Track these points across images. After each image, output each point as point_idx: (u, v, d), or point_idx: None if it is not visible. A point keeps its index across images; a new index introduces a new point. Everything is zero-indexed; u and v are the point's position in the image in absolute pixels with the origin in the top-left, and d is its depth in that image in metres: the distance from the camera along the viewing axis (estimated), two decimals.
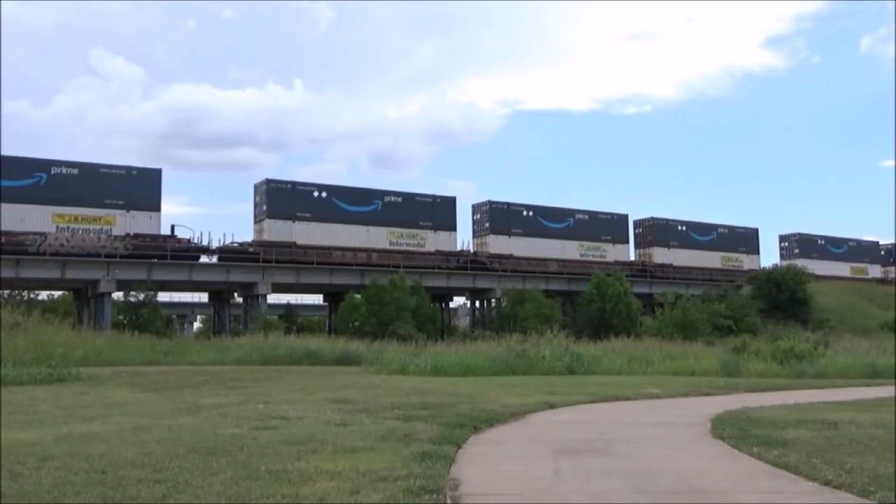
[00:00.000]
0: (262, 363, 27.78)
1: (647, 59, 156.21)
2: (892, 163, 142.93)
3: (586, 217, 59.29)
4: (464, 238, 54.77)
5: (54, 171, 41.48)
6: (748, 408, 12.33)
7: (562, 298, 53.38)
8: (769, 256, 70.35)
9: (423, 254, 50.93)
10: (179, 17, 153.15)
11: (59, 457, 6.94)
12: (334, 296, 50.71)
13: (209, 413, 10.85)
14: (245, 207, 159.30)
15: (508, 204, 56.07)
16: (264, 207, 47.02)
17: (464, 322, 65.95)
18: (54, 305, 50.23)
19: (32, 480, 5.92)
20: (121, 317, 41.98)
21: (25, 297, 50.09)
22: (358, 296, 44.91)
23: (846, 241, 77.52)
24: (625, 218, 62.04)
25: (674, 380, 20.35)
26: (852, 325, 49.15)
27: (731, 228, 68.23)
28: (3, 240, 38.90)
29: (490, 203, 55.31)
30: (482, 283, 53.28)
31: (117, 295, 43.50)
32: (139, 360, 26.98)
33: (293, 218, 47.08)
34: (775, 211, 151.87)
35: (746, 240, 68.67)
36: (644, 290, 57.02)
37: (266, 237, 46.54)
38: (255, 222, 48.01)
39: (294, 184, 48.61)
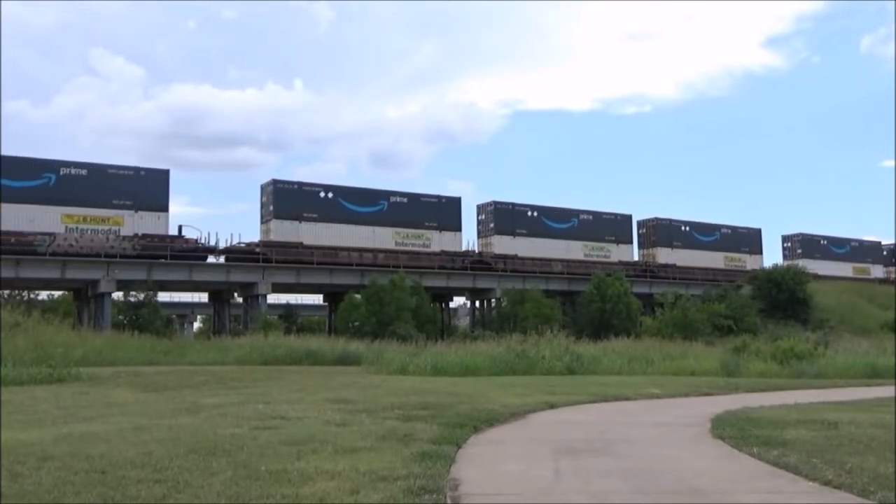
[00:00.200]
0: (262, 363, 27.78)
1: (647, 59, 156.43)
2: (892, 163, 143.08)
3: (590, 217, 59.34)
4: (468, 238, 55.03)
5: (63, 171, 41.71)
6: (748, 408, 12.33)
7: (562, 298, 53.40)
8: (772, 257, 70.30)
9: (429, 254, 51.02)
10: (179, 17, 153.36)
11: (59, 457, 6.94)
12: (334, 296, 50.73)
13: (209, 413, 10.85)
14: (244, 207, 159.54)
15: (513, 204, 56.10)
16: (271, 208, 47.10)
17: (464, 322, 65.95)
18: (54, 305, 50.23)
19: (32, 480, 5.92)
20: (121, 317, 41.99)
21: (25, 298, 50.11)
22: (358, 296, 44.94)
23: (848, 241, 77.51)
24: (628, 218, 62.02)
25: (674, 380, 20.35)
26: (852, 325, 49.15)
27: (735, 229, 68.23)
28: (12, 240, 39.13)
29: (495, 203, 55.37)
30: (482, 283, 53.30)
31: (117, 295, 43.53)
32: (139, 360, 26.97)
33: (300, 218, 47.18)
34: (775, 211, 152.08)
35: (749, 240, 68.67)
36: (644, 290, 57.03)
37: (273, 237, 46.66)
38: (262, 223, 48.09)
39: (301, 184, 48.70)
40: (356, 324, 42.70)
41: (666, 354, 27.05)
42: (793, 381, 20.73)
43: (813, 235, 74.33)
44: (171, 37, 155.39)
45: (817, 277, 59.85)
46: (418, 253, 50.66)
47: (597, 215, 59.84)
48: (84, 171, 42.31)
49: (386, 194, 51.50)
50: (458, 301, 65.94)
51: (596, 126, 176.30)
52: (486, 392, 14.72)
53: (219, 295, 50.63)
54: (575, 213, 58.79)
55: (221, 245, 46.56)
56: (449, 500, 5.53)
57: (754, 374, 22.88)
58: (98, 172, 42.80)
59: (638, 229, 62.98)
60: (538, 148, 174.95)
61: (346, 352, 29.99)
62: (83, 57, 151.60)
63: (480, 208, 56.11)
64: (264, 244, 46.63)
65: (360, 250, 48.60)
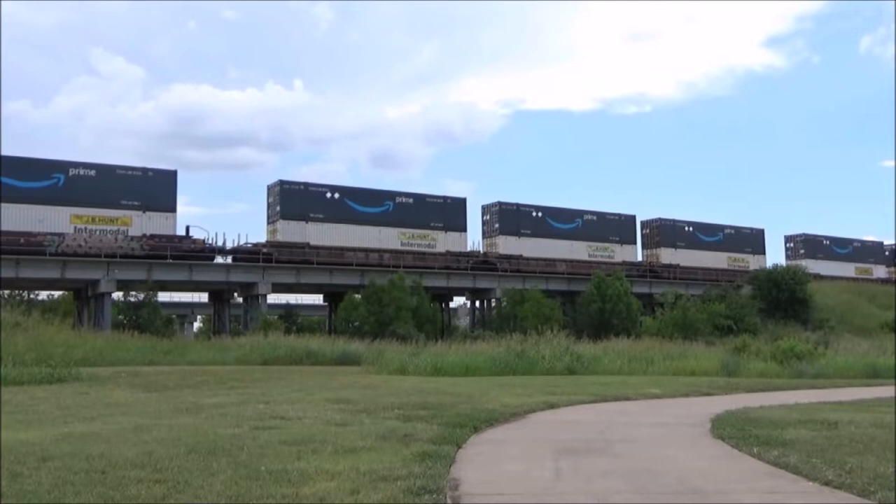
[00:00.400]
0: (262, 363, 27.80)
1: (648, 58, 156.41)
2: (892, 163, 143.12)
3: (594, 218, 59.34)
4: (473, 239, 55.09)
5: (72, 172, 41.86)
6: (748, 408, 12.33)
7: (562, 298, 53.40)
8: (774, 257, 70.25)
9: (434, 255, 51.12)
10: (179, 17, 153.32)
11: (59, 457, 6.94)
12: (334, 296, 50.76)
13: (209, 413, 10.86)
14: (244, 207, 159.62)
15: (518, 205, 56.13)
16: (277, 208, 47.17)
17: (464, 322, 65.92)
18: (54, 305, 50.24)
19: (32, 480, 5.92)
20: (121, 317, 41.97)
21: (25, 298, 50.13)
22: (357, 296, 44.95)
23: (851, 241, 77.49)
24: (632, 219, 62.00)
25: (674, 380, 20.34)
26: (852, 325, 49.16)
27: (738, 229, 68.15)
28: (21, 240, 39.30)
29: (500, 204, 55.41)
30: (482, 283, 53.32)
31: (117, 295, 43.55)
32: (139, 360, 27.00)
33: (306, 219, 47.27)
34: (775, 211, 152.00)
35: (753, 240, 68.62)
36: (644, 290, 57.02)
37: (280, 238, 46.77)
38: (269, 223, 48.17)
39: (307, 185, 48.78)
40: (356, 324, 42.71)
41: (666, 354, 27.02)
42: (793, 381, 20.71)
43: (816, 236, 74.30)
44: (171, 37, 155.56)
45: (817, 277, 59.84)
46: (424, 253, 50.79)
47: (601, 216, 59.84)
48: (93, 172, 42.49)
49: (391, 195, 51.59)
50: (458, 301, 66.04)
51: (597, 126, 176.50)
52: (486, 392, 14.72)
53: (219, 295, 50.65)
54: (579, 214, 58.82)
55: (228, 245, 46.70)
56: (449, 500, 5.52)
57: (754, 374, 22.87)
58: (106, 173, 42.99)
59: (641, 230, 63.00)
60: (539, 148, 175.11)
61: (346, 352, 29.99)
62: (83, 57, 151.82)
63: (485, 209, 56.17)
64: (271, 245, 46.78)
65: (367, 251, 48.73)
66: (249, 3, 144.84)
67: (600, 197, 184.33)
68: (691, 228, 64.29)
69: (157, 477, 6.05)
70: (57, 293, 54.29)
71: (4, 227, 38.89)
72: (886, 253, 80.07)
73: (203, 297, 62.03)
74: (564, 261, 56.26)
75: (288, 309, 59.90)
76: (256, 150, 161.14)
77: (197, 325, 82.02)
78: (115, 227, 42.38)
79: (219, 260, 46.46)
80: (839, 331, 43.26)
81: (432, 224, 51.64)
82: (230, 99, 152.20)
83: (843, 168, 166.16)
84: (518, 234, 55.00)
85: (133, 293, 42.09)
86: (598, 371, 23.35)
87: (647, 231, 63.02)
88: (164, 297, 52.88)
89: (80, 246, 41.11)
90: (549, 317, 43.11)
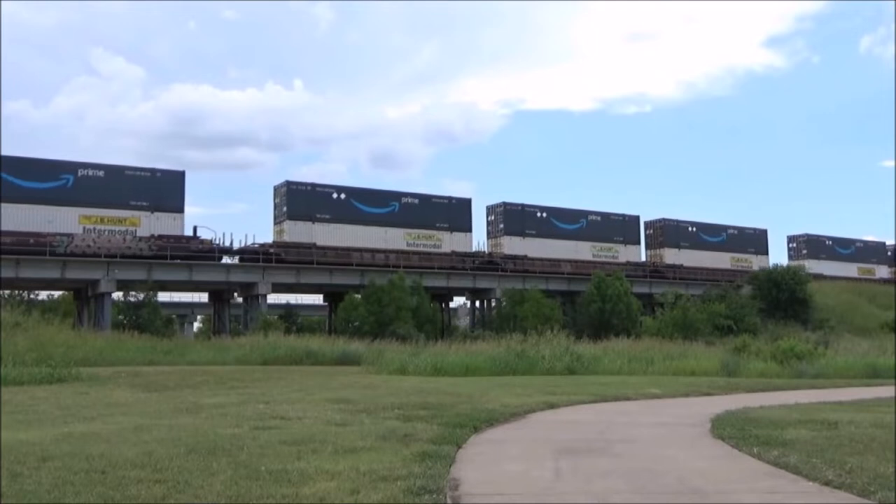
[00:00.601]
0: (262, 363, 27.80)
1: (648, 58, 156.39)
2: (892, 163, 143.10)
3: (598, 218, 59.41)
4: (478, 239, 55.19)
5: (81, 173, 42.06)
6: (748, 408, 12.33)
7: (562, 298, 53.40)
8: (777, 258, 70.26)
9: (440, 255, 51.20)
10: (179, 17, 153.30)
11: (59, 457, 6.95)
12: (334, 296, 50.79)
13: (209, 413, 10.86)
14: (244, 207, 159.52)
15: (523, 205, 56.22)
16: (284, 209, 47.28)
17: (464, 322, 65.92)
18: (54, 305, 50.25)
19: (32, 480, 5.92)
20: (121, 317, 41.98)
21: (25, 298, 50.13)
22: (357, 296, 44.97)
23: (854, 241, 77.48)
24: (636, 219, 62.08)
25: (674, 380, 20.34)
26: (852, 325, 49.16)
27: (741, 229, 68.15)
28: (31, 240, 39.49)
29: (504, 204, 55.50)
30: (482, 283, 53.34)
31: (117, 295, 43.58)
32: (139, 360, 27.00)
33: (313, 219, 47.38)
34: (775, 211, 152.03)
35: (756, 241, 68.62)
36: (644, 290, 57.02)
37: (287, 238, 46.87)
38: (275, 223, 48.31)
39: (314, 185, 48.90)
40: (356, 324, 42.72)
41: (666, 354, 27.03)
42: (793, 381, 20.72)
43: (818, 236, 74.29)
44: (171, 37, 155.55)
45: (817, 277, 59.82)
46: (429, 254, 50.91)
47: (605, 216, 59.90)
48: (101, 173, 42.70)
49: (397, 195, 51.73)
50: (458, 301, 66.05)
51: (597, 126, 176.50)
52: (486, 392, 14.71)
53: (219, 295, 50.67)
54: (583, 214, 58.90)
55: (235, 246, 46.85)
56: (449, 500, 5.52)
57: (754, 374, 22.87)
58: (115, 174, 43.21)
59: (645, 230, 63.05)
60: (539, 148, 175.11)
61: (346, 352, 29.99)
62: (83, 57, 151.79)
63: (490, 209, 56.30)
64: (278, 245, 46.89)
65: (373, 251, 48.87)
66: (249, 3, 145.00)
67: (600, 197, 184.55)
68: (695, 229, 64.32)
69: (157, 477, 6.05)
70: (57, 293, 54.33)
71: (14, 228, 39.16)
72: (889, 253, 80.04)
73: (203, 297, 62.03)
74: (569, 261, 56.37)
75: (288, 309, 59.90)
76: (256, 150, 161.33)
77: (197, 325, 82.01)
78: (123, 228, 42.63)
79: (226, 260, 46.63)
80: (839, 331, 43.26)
81: (438, 224, 51.81)
82: (230, 99, 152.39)
83: (843, 168, 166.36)
84: (523, 234, 55.10)
85: (133, 293, 42.12)
86: (598, 371, 23.35)
87: (651, 231, 63.07)
88: (164, 297, 52.89)
89: (88, 246, 41.32)
90: (549, 317, 43.14)
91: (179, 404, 12.18)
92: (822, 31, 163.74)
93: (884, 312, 53.11)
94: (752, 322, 44.79)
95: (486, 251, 54.74)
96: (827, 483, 6.18)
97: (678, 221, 63.79)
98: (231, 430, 8.93)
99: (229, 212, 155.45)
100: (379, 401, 12.48)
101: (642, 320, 47.38)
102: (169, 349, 30.80)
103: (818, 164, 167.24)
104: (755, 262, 66.17)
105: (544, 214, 56.66)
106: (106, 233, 42.10)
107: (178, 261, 43.81)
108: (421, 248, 50.80)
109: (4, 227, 38.85)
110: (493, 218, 55.80)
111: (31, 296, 52.52)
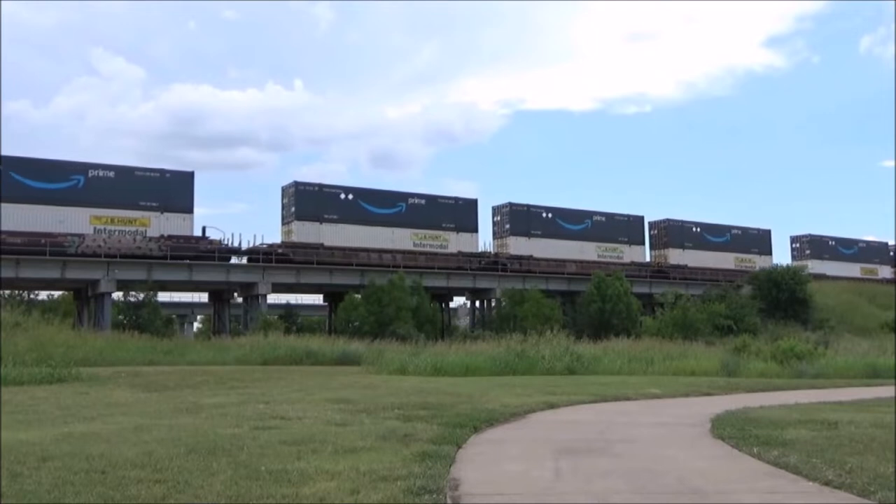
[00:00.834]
0: (262, 363, 27.79)
1: (649, 59, 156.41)
2: (892, 163, 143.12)
3: (603, 219, 59.51)
4: (483, 239, 55.24)
5: (91, 173, 42.28)
6: (748, 408, 12.33)
7: (562, 298, 53.39)
8: (780, 258, 70.24)
9: (446, 255, 51.27)
10: (179, 17, 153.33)
11: (59, 457, 6.94)
12: (334, 296, 50.81)
13: (209, 413, 10.85)
14: (244, 207, 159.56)
15: (528, 206, 56.29)
16: (292, 210, 47.40)
17: (464, 322, 65.91)
18: (54, 305, 50.23)
19: (32, 480, 5.92)
20: (121, 317, 41.99)
21: (25, 298, 50.12)
22: (357, 296, 44.98)
23: (856, 242, 77.45)
24: (641, 219, 62.06)
25: (674, 380, 20.34)
26: (852, 325, 49.14)
27: (745, 230, 68.14)
28: (42, 241, 39.65)
29: (510, 205, 55.59)
30: (482, 283, 53.35)
31: (117, 295, 43.60)
32: (139, 360, 26.99)
33: (321, 220, 47.52)
34: (775, 211, 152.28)
35: (759, 241, 68.61)
36: (644, 290, 57.03)
37: (294, 239, 46.99)
38: (283, 224, 48.44)
39: (321, 186, 49.03)
40: (356, 324, 42.72)
41: (666, 354, 27.02)
42: (793, 381, 20.71)
43: (821, 236, 74.26)
44: (171, 37, 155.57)
45: (820, 278, 59.79)
46: (436, 254, 51.02)
47: (609, 216, 59.96)
48: (111, 174, 42.94)
49: (404, 196, 51.86)
50: (458, 301, 66.05)
51: (597, 126, 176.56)
52: (486, 392, 14.71)
53: (219, 295, 50.67)
54: (588, 215, 58.98)
55: (244, 246, 46.94)
56: (449, 500, 5.52)
57: (754, 374, 22.86)
58: (125, 174, 43.47)
59: (649, 230, 63.05)
60: (539, 148, 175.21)
61: (346, 352, 29.98)
62: (83, 57, 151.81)
63: (496, 209, 56.40)
64: (286, 245, 46.98)
65: (380, 251, 49.00)
66: (249, 3, 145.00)
67: (600, 197, 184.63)
68: (699, 229, 64.37)
69: (157, 477, 6.05)
70: (57, 293, 54.35)
71: (26, 228, 39.46)
72: (892, 253, 80.00)
73: (203, 297, 62.04)
74: (574, 261, 56.43)
75: (288, 309, 59.88)
76: (256, 150, 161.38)
77: (197, 325, 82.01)
78: (133, 228, 42.85)
79: (234, 260, 46.84)
80: (839, 331, 43.24)
81: (444, 225, 51.95)
82: (230, 99, 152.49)
83: (844, 168, 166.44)
84: (528, 234, 55.21)
85: (133, 293, 42.14)
86: (598, 371, 23.35)
87: (656, 232, 63.12)
88: (164, 297, 52.90)
89: (99, 247, 41.51)
90: (549, 317, 43.16)
91: (179, 404, 12.17)
92: (822, 31, 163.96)
93: (884, 312, 53.10)
94: (752, 322, 44.77)
95: (492, 251, 54.82)
96: (827, 483, 6.18)
97: (682, 222, 63.82)
98: (231, 430, 8.93)
99: (229, 212, 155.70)
100: (379, 401, 12.48)
101: (642, 320, 47.37)
102: (169, 349, 30.79)
103: (818, 164, 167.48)
104: (759, 263, 66.13)
105: (550, 215, 56.78)
106: (116, 233, 42.33)
107: (181, 261, 43.79)
108: (427, 249, 50.96)
109: (15, 228, 39.10)
110: (498, 218, 55.93)
111: (32, 296, 52.54)
